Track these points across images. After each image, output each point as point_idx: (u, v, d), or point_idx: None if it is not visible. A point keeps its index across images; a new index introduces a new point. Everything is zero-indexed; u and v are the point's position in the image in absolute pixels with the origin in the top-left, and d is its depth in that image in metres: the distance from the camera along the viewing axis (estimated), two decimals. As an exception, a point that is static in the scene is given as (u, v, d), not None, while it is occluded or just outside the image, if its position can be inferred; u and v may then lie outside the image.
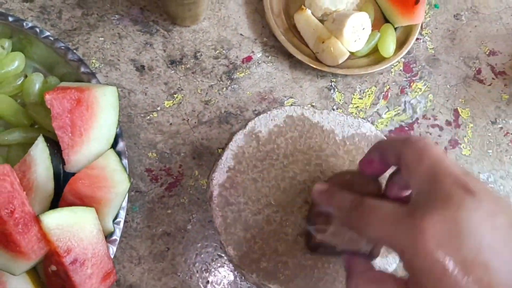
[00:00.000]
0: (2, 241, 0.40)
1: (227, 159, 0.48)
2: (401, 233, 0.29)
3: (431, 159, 0.32)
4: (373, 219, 0.32)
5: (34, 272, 0.46)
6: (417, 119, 0.60)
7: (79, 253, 0.43)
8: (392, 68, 0.62)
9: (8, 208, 0.40)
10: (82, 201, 0.46)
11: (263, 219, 0.47)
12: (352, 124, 0.51)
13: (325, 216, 0.41)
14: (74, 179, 0.45)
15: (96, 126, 0.49)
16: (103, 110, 0.49)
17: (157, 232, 0.52)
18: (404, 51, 0.59)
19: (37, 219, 0.42)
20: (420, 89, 0.61)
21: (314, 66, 0.58)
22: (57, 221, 0.42)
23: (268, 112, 0.50)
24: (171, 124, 0.56)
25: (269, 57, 0.60)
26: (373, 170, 0.40)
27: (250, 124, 0.49)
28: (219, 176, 0.47)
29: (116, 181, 0.47)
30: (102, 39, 0.58)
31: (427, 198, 0.30)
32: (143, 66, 0.57)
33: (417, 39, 0.62)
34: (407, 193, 0.39)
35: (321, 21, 0.59)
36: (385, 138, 0.42)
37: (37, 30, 0.54)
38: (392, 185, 0.39)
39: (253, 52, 0.60)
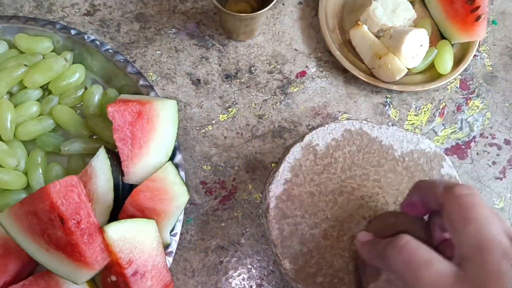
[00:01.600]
0: (68, 250, 0.41)
1: (284, 172, 0.48)
2: None
3: (478, 222, 0.31)
4: (423, 275, 0.31)
5: (92, 282, 0.47)
6: (474, 137, 0.59)
7: (140, 265, 0.43)
8: (448, 85, 0.60)
9: (75, 219, 0.41)
10: (143, 213, 0.46)
11: (320, 234, 0.46)
12: (411, 140, 0.50)
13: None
14: (136, 191, 0.46)
15: (155, 139, 0.50)
16: (163, 124, 0.50)
17: (211, 245, 0.53)
18: (461, 68, 0.58)
19: (101, 230, 0.42)
20: (478, 106, 0.60)
21: (370, 82, 0.57)
22: (121, 232, 0.43)
23: (326, 126, 0.49)
24: (225, 137, 0.56)
25: (323, 72, 0.60)
26: (416, 212, 0.39)
27: (307, 137, 0.49)
28: (276, 188, 0.47)
29: (176, 194, 0.47)
30: (159, 52, 0.59)
31: (476, 269, 0.30)
32: (199, 80, 0.58)
33: (474, 55, 0.60)
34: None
35: (377, 36, 0.59)
36: (427, 179, 0.40)
37: (98, 43, 0.55)
38: (434, 227, 0.38)
39: (307, 67, 0.60)
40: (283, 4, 0.62)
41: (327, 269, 0.45)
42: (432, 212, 0.39)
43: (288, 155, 0.49)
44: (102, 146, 0.49)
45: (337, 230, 0.46)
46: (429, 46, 0.58)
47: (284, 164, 0.48)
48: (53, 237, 0.41)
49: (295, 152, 0.49)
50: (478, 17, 0.56)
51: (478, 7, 0.56)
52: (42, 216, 0.41)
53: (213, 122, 0.57)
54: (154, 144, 0.50)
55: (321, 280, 0.45)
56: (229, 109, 0.57)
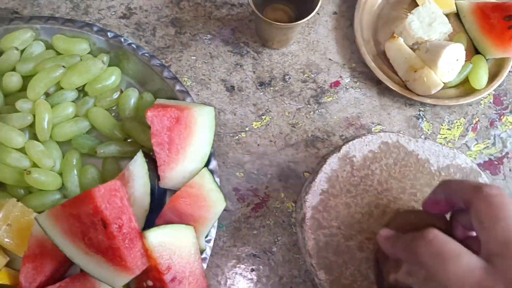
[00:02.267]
0: (108, 254, 0.41)
1: (320, 182, 0.48)
2: None
3: (508, 220, 0.32)
4: (451, 268, 0.32)
5: (126, 285, 0.47)
6: (507, 153, 0.58)
7: (179, 271, 0.43)
8: (481, 100, 0.60)
9: (117, 223, 0.41)
10: (181, 218, 0.46)
11: (355, 245, 0.46)
12: (447, 155, 0.50)
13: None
14: (176, 197, 0.46)
15: (192, 145, 0.50)
16: (200, 130, 0.50)
17: (243, 252, 0.53)
18: (496, 83, 0.58)
19: (141, 235, 0.43)
20: (511, 122, 0.60)
21: (404, 94, 0.57)
22: (161, 238, 0.43)
23: (363, 137, 0.50)
24: (258, 145, 0.56)
25: (357, 83, 0.60)
26: (438, 210, 0.40)
27: (344, 148, 0.49)
28: (312, 198, 0.47)
29: (213, 201, 0.47)
30: (194, 58, 0.59)
31: (507, 263, 0.31)
32: (233, 87, 0.58)
33: (509, 72, 0.60)
34: (473, 233, 0.38)
35: (412, 49, 0.59)
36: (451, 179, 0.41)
37: (135, 46, 0.55)
38: (457, 224, 0.39)
39: (341, 77, 0.60)
40: (318, 14, 0.62)
41: (362, 281, 0.45)
42: (454, 211, 0.39)
43: (325, 165, 0.49)
44: (140, 150, 0.49)
45: (373, 243, 0.46)
46: (465, 61, 0.58)
47: (320, 174, 0.48)
48: (94, 240, 0.42)
49: (332, 163, 0.49)
50: (516, 33, 0.56)
51: (516, 23, 0.57)
52: (85, 220, 0.41)
53: (247, 129, 0.57)
54: (191, 150, 0.50)
55: None
56: (263, 117, 0.57)
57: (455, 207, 0.39)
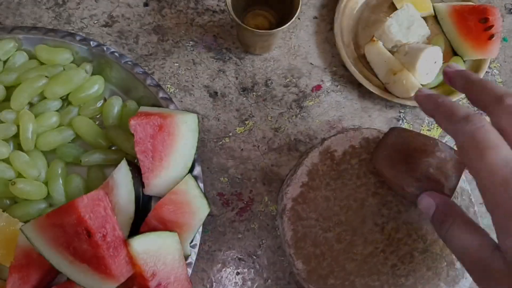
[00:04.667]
0: (93, 263, 0.42)
1: (301, 175, 0.49)
2: None
3: None
4: (489, 157, 0.31)
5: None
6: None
7: (163, 277, 0.44)
8: (460, 100, 0.62)
9: (101, 232, 0.42)
10: (165, 226, 0.47)
11: (333, 237, 0.47)
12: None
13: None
14: (160, 205, 0.47)
15: (176, 152, 0.51)
16: (184, 137, 0.51)
17: (228, 256, 0.53)
18: (474, 84, 0.59)
19: (125, 243, 0.43)
20: (488, 122, 0.61)
21: (384, 97, 0.58)
22: (145, 245, 0.43)
23: (345, 133, 0.51)
24: (242, 150, 0.57)
25: (338, 86, 0.61)
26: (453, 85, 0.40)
27: (327, 142, 0.50)
28: (293, 190, 0.49)
29: (197, 207, 0.48)
30: (177, 64, 0.60)
31: None
32: (216, 93, 0.59)
33: (486, 72, 0.62)
34: None
35: (391, 52, 0.60)
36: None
37: (117, 55, 0.56)
38: None
39: (322, 81, 0.61)
40: (299, 19, 0.63)
41: (339, 271, 0.46)
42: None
43: (306, 159, 0.50)
44: (124, 158, 0.50)
45: (350, 235, 0.47)
46: (443, 63, 0.59)
47: (302, 167, 0.49)
48: (78, 249, 0.42)
49: (313, 156, 0.50)
50: (492, 36, 0.57)
51: (491, 26, 0.58)
52: (69, 229, 0.42)
53: (230, 134, 0.58)
54: (174, 157, 0.51)
55: (332, 282, 0.46)
56: (246, 122, 0.58)
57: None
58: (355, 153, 0.50)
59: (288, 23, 0.53)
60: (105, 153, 0.54)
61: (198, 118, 0.52)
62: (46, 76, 0.53)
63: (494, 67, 0.64)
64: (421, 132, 0.60)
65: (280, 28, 0.53)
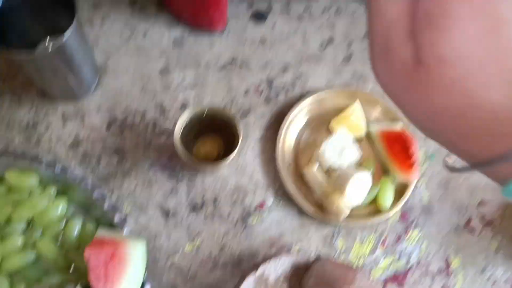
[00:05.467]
0: None
1: None
2: None
3: None
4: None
5: None
6: (412, 266, 0.66)
7: None
8: (389, 218, 0.68)
9: None
10: None
11: None
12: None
13: None
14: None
15: (126, 276, 0.57)
16: (133, 263, 0.57)
17: None
18: (401, 204, 0.66)
19: None
20: (415, 237, 0.68)
21: (317, 217, 0.65)
22: None
23: (278, 258, 0.57)
24: (189, 268, 0.63)
25: (279, 205, 0.67)
26: None
27: (261, 269, 0.57)
28: None
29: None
30: (135, 184, 0.67)
31: None
32: (168, 212, 0.66)
33: (414, 187, 0.69)
34: None
35: (328, 173, 0.67)
36: None
37: (80, 178, 0.63)
38: None
39: (265, 199, 0.67)
40: (246, 141, 0.70)
41: None
42: None
43: (242, 286, 0.56)
44: (79, 283, 0.56)
45: None
46: (373, 183, 0.66)
47: None
48: None
49: (248, 283, 0.56)
50: (413, 163, 0.65)
51: (412, 154, 0.65)
52: None
53: (180, 252, 0.64)
54: (125, 281, 0.57)
55: None
56: (194, 240, 0.64)
57: None
58: (286, 278, 0.56)
59: (232, 155, 0.60)
60: (64, 275, 0.60)
61: (147, 243, 0.58)
62: (13, 203, 0.60)
63: (423, 181, 0.71)
64: (354, 246, 0.66)
65: (224, 160, 0.60)
